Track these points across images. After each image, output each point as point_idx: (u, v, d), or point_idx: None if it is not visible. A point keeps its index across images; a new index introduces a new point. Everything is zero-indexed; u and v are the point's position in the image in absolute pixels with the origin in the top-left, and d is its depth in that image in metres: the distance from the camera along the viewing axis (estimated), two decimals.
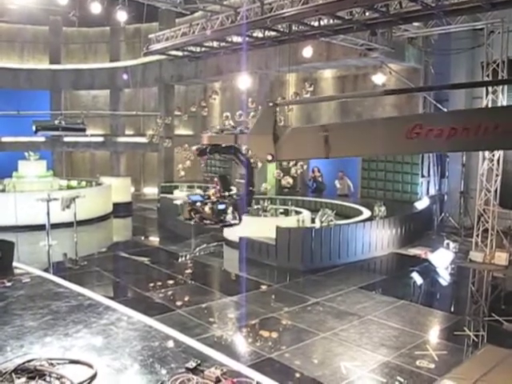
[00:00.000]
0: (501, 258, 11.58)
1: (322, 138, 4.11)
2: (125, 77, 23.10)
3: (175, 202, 13.27)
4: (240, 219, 5.14)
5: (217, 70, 19.42)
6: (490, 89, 11.90)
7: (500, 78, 11.69)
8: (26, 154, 18.21)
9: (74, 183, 19.28)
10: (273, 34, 12.73)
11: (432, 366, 6.51)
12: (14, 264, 8.85)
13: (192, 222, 4.86)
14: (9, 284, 7.67)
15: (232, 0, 14.56)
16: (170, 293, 9.70)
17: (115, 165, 25.47)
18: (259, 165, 14.21)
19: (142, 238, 15.93)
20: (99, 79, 25.07)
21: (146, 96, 25.80)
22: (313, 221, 12.86)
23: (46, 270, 10.20)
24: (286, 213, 13.62)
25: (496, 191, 11.99)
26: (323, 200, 16.51)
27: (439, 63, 15.52)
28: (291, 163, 13.75)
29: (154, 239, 15.96)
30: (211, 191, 4.90)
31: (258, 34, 13.09)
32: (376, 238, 12.35)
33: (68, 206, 13.20)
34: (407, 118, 4.13)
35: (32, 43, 26.34)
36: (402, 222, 13.26)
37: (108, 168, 25.47)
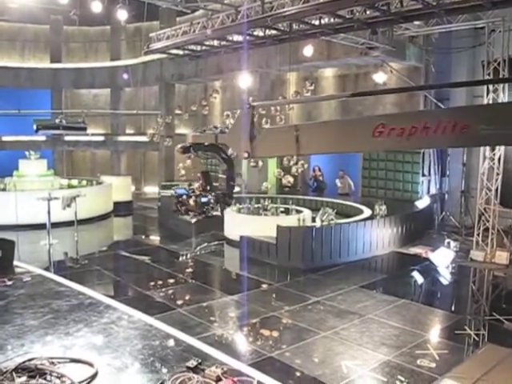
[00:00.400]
0: (501, 257, 11.57)
1: (294, 137, 4.52)
2: (125, 76, 23.12)
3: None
4: (222, 211, 5.46)
5: (217, 68, 19.41)
6: (490, 87, 11.90)
7: (501, 76, 11.69)
8: (27, 152, 18.19)
9: (74, 182, 19.29)
10: (273, 32, 12.72)
11: (433, 365, 6.51)
12: (15, 263, 8.86)
13: (179, 215, 5.05)
14: (9, 283, 7.68)
15: None
16: (170, 292, 9.70)
17: (116, 164, 25.48)
18: (260, 164, 14.29)
19: (143, 236, 15.93)
20: (100, 78, 25.08)
21: (147, 95, 25.78)
22: (313, 220, 12.86)
23: (47, 269, 10.21)
24: (287, 212, 13.61)
25: (497, 190, 11.98)
26: (324, 199, 16.52)
27: (440, 62, 15.51)
28: (292, 162, 13.74)
29: (155, 238, 15.96)
30: (195, 185, 5.17)
31: (259, 32, 13.08)
32: (377, 236, 12.34)
33: (69, 205, 13.21)
34: (372, 118, 4.45)
35: (33, 42, 26.34)
36: (402, 220, 13.26)
37: (109, 167, 25.48)
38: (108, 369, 4.76)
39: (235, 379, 4.33)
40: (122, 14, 15.34)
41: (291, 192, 16.83)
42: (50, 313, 6.36)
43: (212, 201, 5.12)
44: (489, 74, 12.02)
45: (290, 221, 12.54)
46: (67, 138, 24.77)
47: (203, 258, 12.67)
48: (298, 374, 6.31)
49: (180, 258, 12.55)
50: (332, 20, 11.31)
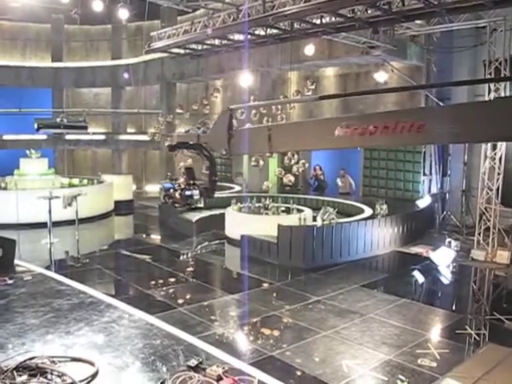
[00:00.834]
0: (502, 256, 11.56)
1: (267, 136, 5.03)
2: (125, 75, 23.13)
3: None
4: (204, 203, 6.19)
5: (218, 67, 19.40)
6: (492, 87, 11.90)
7: (502, 76, 11.68)
8: (28, 151, 18.20)
9: (75, 181, 19.29)
10: (275, 31, 12.70)
11: (434, 364, 6.51)
12: (16, 262, 8.85)
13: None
14: (10, 282, 7.68)
15: None
16: (171, 291, 9.71)
17: (117, 163, 25.49)
18: (261, 163, 14.27)
19: (144, 235, 15.93)
20: (101, 77, 25.08)
21: (148, 94, 25.78)
22: (314, 219, 12.85)
23: (48, 268, 10.22)
24: (288, 211, 13.60)
25: (498, 190, 11.98)
26: (325, 198, 16.51)
27: (441, 61, 15.49)
28: (293, 161, 13.74)
29: (156, 237, 15.96)
30: (180, 180, 5.79)
31: (260, 31, 13.07)
32: (378, 236, 12.34)
33: (70, 204, 13.22)
34: (337, 119, 4.99)
35: (34, 41, 26.35)
36: (403, 220, 13.25)
37: (109, 166, 25.49)
38: (109, 368, 4.75)
39: (236, 378, 4.32)
40: (123, 13, 15.37)
41: (292, 191, 16.83)
42: (51, 312, 6.36)
43: (195, 194, 5.69)
44: (490, 74, 12.01)
45: (291, 220, 12.54)
46: (68, 137, 24.77)
47: (204, 256, 12.67)
48: (298, 373, 6.32)
49: (181, 257, 12.56)
50: (333, 19, 11.30)
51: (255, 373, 4.73)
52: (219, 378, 4.28)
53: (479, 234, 12.14)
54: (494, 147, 11.95)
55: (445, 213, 15.66)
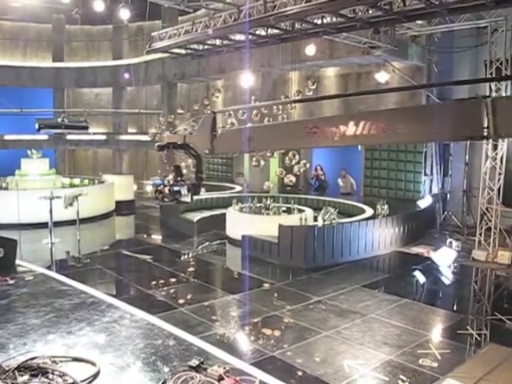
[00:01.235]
0: (504, 256, 11.55)
1: (246, 136, 5.40)
2: (126, 75, 23.14)
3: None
4: (192, 199, 6.56)
5: (219, 68, 19.41)
6: (493, 87, 11.89)
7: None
8: (29, 151, 18.21)
9: (76, 181, 19.28)
10: (276, 31, 12.71)
11: (435, 364, 6.51)
12: (17, 262, 8.86)
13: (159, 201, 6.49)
14: (12, 282, 7.68)
15: None
16: (172, 291, 9.71)
17: (118, 163, 25.50)
18: (262, 163, 14.28)
19: (145, 235, 15.94)
20: (102, 77, 25.10)
21: (149, 94, 25.80)
22: (315, 219, 12.85)
23: (49, 268, 10.22)
24: (289, 211, 13.60)
25: (499, 190, 11.97)
26: (326, 198, 16.51)
27: (442, 61, 15.48)
28: (294, 161, 13.74)
29: (157, 237, 15.96)
30: (169, 177, 6.21)
31: (261, 31, 13.08)
32: (379, 236, 12.33)
33: (71, 204, 13.22)
34: (308, 121, 5.41)
35: (35, 41, 26.38)
36: (404, 220, 13.25)
37: (110, 166, 25.50)
38: (110, 367, 4.76)
39: (237, 378, 4.33)
40: (124, 13, 15.38)
41: (293, 191, 16.83)
42: (52, 312, 6.36)
43: (183, 190, 6.20)
44: (491, 74, 12.01)
45: (292, 220, 12.54)
46: (69, 137, 24.77)
47: (205, 257, 12.68)
48: (299, 373, 6.32)
49: (182, 257, 12.56)
50: (334, 19, 11.31)
51: (256, 373, 4.73)
52: (220, 378, 4.28)
53: (480, 235, 12.13)
54: (495, 147, 11.94)
55: (446, 213, 15.65)
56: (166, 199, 6.33)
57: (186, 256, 12.67)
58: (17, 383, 4.15)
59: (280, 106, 13.78)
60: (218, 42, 14.84)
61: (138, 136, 25.26)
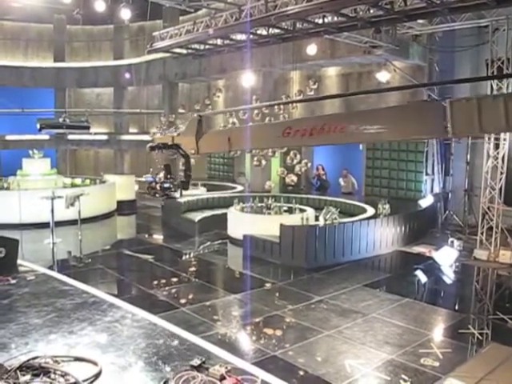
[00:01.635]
0: (505, 256, 11.54)
1: (227, 137, 5.98)
2: (127, 76, 23.15)
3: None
4: (181, 194, 7.18)
5: (220, 67, 19.41)
6: (494, 86, 11.87)
7: None
8: (30, 151, 18.21)
9: (78, 181, 19.30)
10: (277, 31, 12.71)
11: (436, 364, 6.50)
12: (19, 262, 8.86)
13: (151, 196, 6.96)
14: (13, 281, 7.69)
15: None
16: (174, 290, 9.72)
17: (119, 163, 25.52)
18: (263, 163, 14.30)
19: (146, 235, 15.93)
20: (103, 77, 25.12)
21: (150, 94, 25.81)
22: (317, 219, 12.84)
23: (51, 268, 10.23)
24: (290, 211, 13.61)
25: (500, 189, 11.95)
26: (327, 198, 16.51)
27: (443, 61, 15.45)
28: (295, 161, 13.75)
29: (158, 237, 15.97)
30: (160, 174, 6.71)
31: (262, 31, 13.08)
32: (380, 235, 12.32)
33: (72, 204, 13.22)
34: (283, 123, 6.28)
35: (36, 41, 26.42)
36: (406, 219, 13.24)
37: (112, 166, 25.53)
38: (112, 367, 4.76)
39: (239, 378, 4.33)
40: (125, 13, 15.40)
41: (294, 191, 16.84)
42: (54, 311, 6.37)
43: (172, 186, 6.71)
44: (492, 73, 11.99)
45: (294, 220, 12.53)
46: (70, 137, 24.81)
47: (206, 256, 12.67)
48: (301, 372, 6.32)
49: (183, 257, 12.56)
50: (335, 19, 11.31)
51: (258, 372, 4.73)
52: (222, 378, 4.28)
53: (482, 234, 12.12)
54: (497, 146, 11.93)
55: (447, 212, 15.63)
56: (157, 194, 6.81)
57: (187, 256, 12.67)
58: (19, 383, 4.15)
59: (281, 106, 13.78)
60: (219, 41, 14.85)
61: (140, 136, 25.26)
